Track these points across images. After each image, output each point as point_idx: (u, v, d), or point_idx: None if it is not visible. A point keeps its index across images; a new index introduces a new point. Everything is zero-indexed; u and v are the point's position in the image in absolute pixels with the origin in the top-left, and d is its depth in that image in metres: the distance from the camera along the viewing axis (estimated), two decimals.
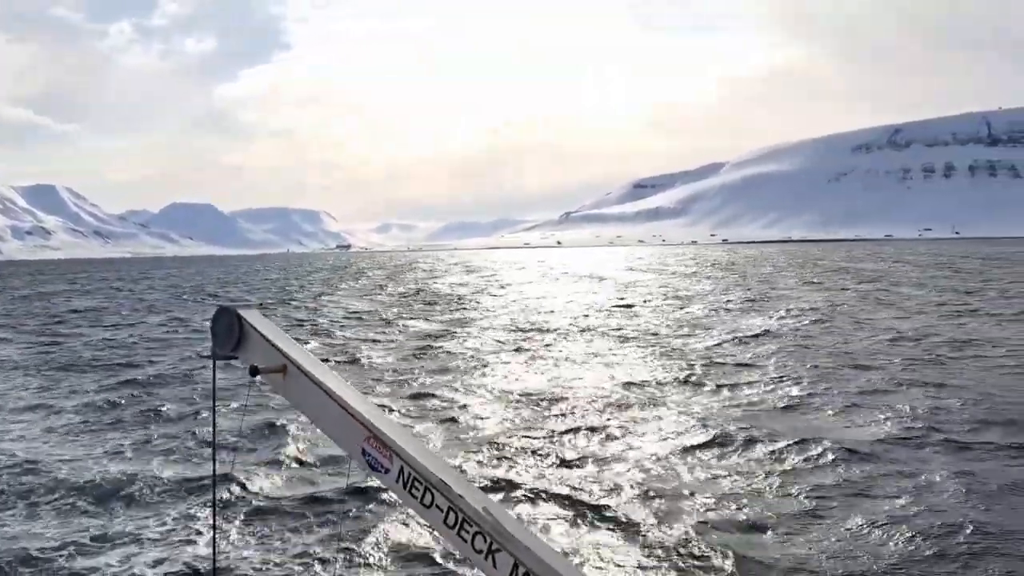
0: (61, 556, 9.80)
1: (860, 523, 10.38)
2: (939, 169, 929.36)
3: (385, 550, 10.06)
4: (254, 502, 11.85)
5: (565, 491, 11.74)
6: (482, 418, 16.64)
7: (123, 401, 19.62)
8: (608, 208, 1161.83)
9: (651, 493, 11.58)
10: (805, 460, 13.06)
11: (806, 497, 11.34)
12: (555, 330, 32.21)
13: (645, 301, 47.27)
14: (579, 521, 10.73)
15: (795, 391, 18.44)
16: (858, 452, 13.19)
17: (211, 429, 5.03)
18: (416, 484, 3.76)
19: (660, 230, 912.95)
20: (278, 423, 16.20)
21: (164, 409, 18.42)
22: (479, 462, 13.56)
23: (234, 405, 17.58)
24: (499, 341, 29.27)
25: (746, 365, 22.36)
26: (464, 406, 17.74)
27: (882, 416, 15.58)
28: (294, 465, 13.94)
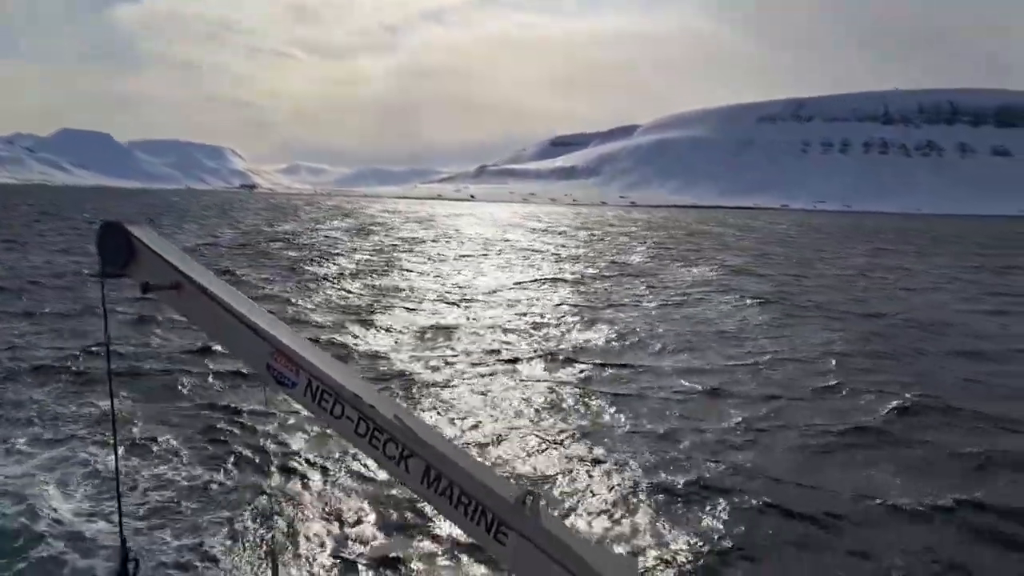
0: None
1: None
2: (836, 144, 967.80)
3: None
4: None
5: None
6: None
7: None
8: (524, 164, 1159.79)
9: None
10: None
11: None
12: None
13: None
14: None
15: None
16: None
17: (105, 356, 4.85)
18: (325, 396, 3.78)
19: (573, 189, 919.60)
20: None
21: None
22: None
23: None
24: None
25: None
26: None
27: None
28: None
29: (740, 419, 15.77)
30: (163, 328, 22.52)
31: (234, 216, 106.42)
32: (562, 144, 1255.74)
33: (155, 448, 13.00)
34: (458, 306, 30.09)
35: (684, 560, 9.81)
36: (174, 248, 4.25)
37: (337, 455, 12.69)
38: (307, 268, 41.82)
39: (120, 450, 12.19)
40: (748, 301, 33.40)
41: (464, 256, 55.11)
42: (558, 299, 33.38)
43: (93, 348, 19.07)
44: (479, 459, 3.54)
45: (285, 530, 10.08)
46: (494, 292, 34.93)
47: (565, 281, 40.66)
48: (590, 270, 47.81)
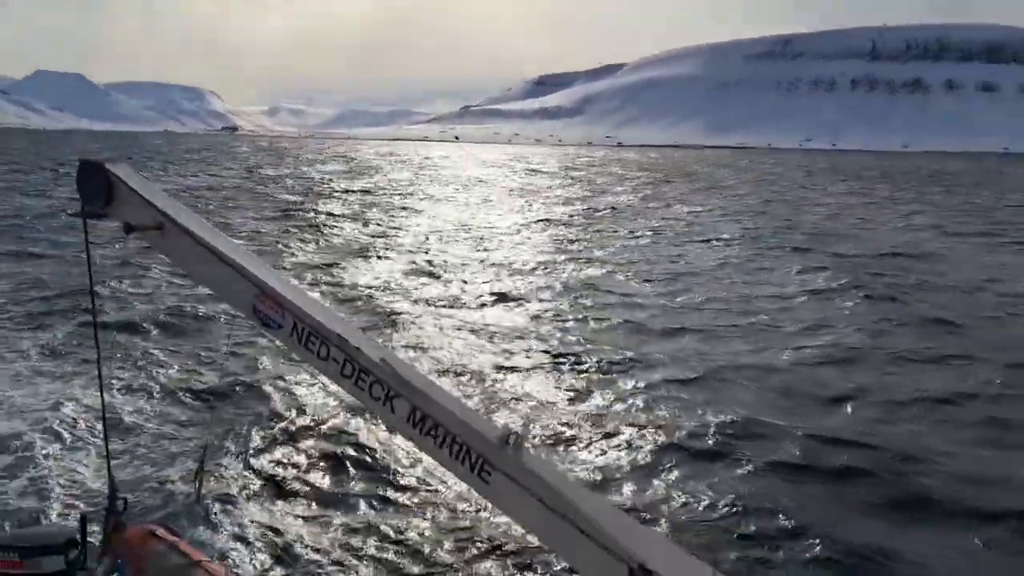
0: None
1: None
2: (824, 82, 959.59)
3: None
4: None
5: None
6: None
7: None
8: (508, 104, 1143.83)
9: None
10: None
11: None
12: None
13: None
14: None
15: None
16: None
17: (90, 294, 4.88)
18: (312, 339, 3.79)
19: (558, 129, 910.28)
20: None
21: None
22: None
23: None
24: None
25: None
26: None
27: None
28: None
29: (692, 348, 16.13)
30: (149, 269, 22.44)
31: (223, 162, 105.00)
32: (547, 83, 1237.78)
33: (143, 387, 13.18)
34: (456, 245, 30.02)
35: (681, 504, 9.99)
36: (156, 188, 4.20)
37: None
38: (301, 211, 41.34)
39: (107, 394, 12.28)
40: (728, 239, 33.58)
41: (454, 198, 54.81)
42: (548, 237, 33.42)
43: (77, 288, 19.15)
44: (463, 400, 3.60)
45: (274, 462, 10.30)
46: (489, 230, 34.91)
47: (555, 222, 40.70)
48: (576, 210, 47.82)
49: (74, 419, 11.71)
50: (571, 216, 44.81)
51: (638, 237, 35.00)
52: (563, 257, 28.69)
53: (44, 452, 10.71)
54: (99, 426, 11.11)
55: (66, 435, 11.17)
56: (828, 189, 77.56)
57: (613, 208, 50.70)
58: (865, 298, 21.88)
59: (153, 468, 10.36)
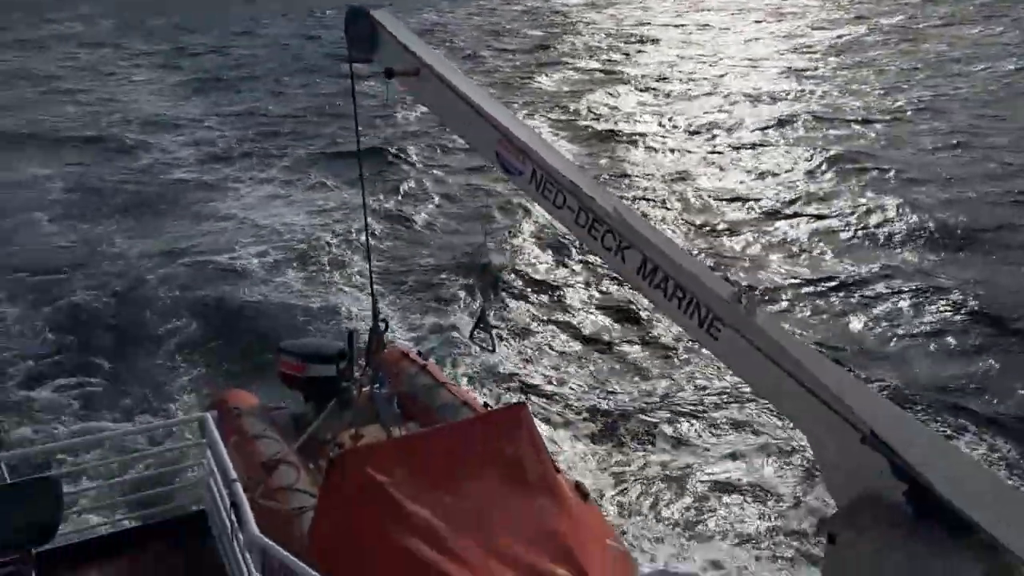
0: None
1: None
2: None
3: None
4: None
5: None
6: None
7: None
8: None
9: None
10: None
11: None
12: None
13: None
14: None
15: None
16: None
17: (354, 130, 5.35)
18: (548, 186, 3.90)
19: None
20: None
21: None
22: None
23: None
24: None
25: None
26: None
27: None
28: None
29: None
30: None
31: None
32: None
33: (404, 217, 14.37)
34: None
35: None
36: (414, 35, 4.43)
37: None
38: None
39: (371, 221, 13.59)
40: None
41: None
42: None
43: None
44: (695, 255, 3.56)
45: None
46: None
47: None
48: None
49: (342, 243, 13.31)
50: None
51: None
52: None
53: (314, 276, 12.37)
54: (362, 253, 12.51)
55: (336, 258, 12.82)
56: None
57: None
58: None
59: (412, 296, 11.57)
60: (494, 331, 5.76)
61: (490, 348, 5.71)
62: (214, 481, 4.92)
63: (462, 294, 11.65)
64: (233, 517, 4.40)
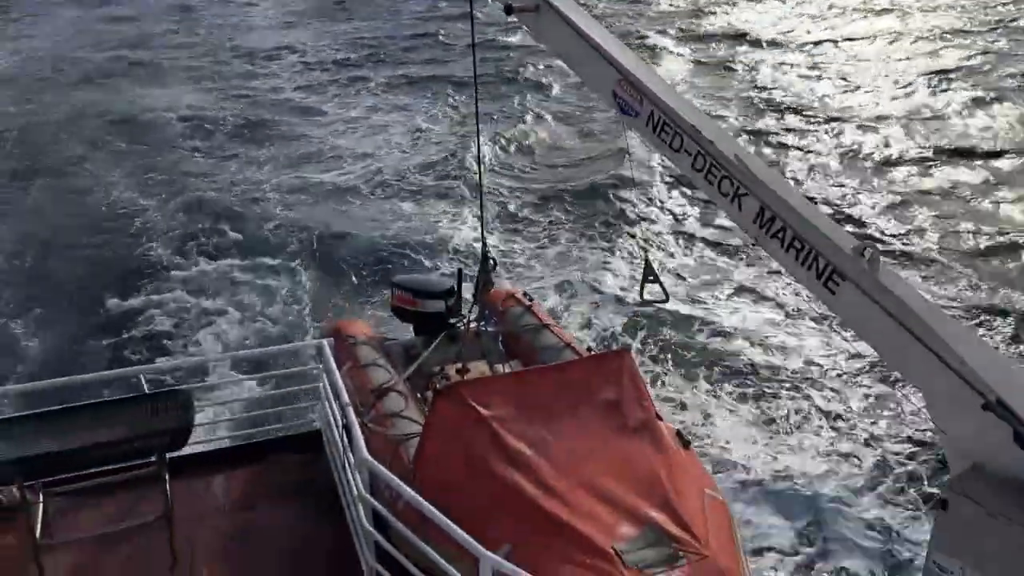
0: None
1: None
2: None
3: None
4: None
5: None
6: None
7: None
8: None
9: None
10: None
11: None
12: None
13: None
14: None
15: None
16: None
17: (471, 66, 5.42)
18: (666, 128, 3.82)
19: None
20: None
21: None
22: None
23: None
24: None
25: None
26: None
27: None
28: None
29: None
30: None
31: None
32: None
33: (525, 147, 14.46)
34: None
35: None
36: None
37: None
38: None
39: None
40: None
41: None
42: None
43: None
44: (817, 207, 3.40)
45: None
46: None
47: None
48: None
49: (453, 176, 13.49)
50: None
51: None
52: None
53: (425, 209, 12.64)
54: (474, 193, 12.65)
55: (446, 191, 13.04)
56: None
57: None
58: None
59: (523, 240, 11.66)
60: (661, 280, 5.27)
61: (663, 298, 5.31)
62: (328, 404, 5.19)
63: (580, 231, 11.75)
64: (345, 439, 4.64)
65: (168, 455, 4.60)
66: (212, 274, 11.53)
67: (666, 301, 5.44)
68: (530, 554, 3.52)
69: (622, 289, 10.15)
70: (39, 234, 12.58)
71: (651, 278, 5.13)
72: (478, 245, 6.28)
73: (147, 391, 4.93)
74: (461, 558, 3.54)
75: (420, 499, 3.76)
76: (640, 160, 13.15)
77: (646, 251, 5.76)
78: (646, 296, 5.34)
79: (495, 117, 16.68)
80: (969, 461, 2.92)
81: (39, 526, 4.55)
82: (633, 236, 10.88)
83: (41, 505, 4.73)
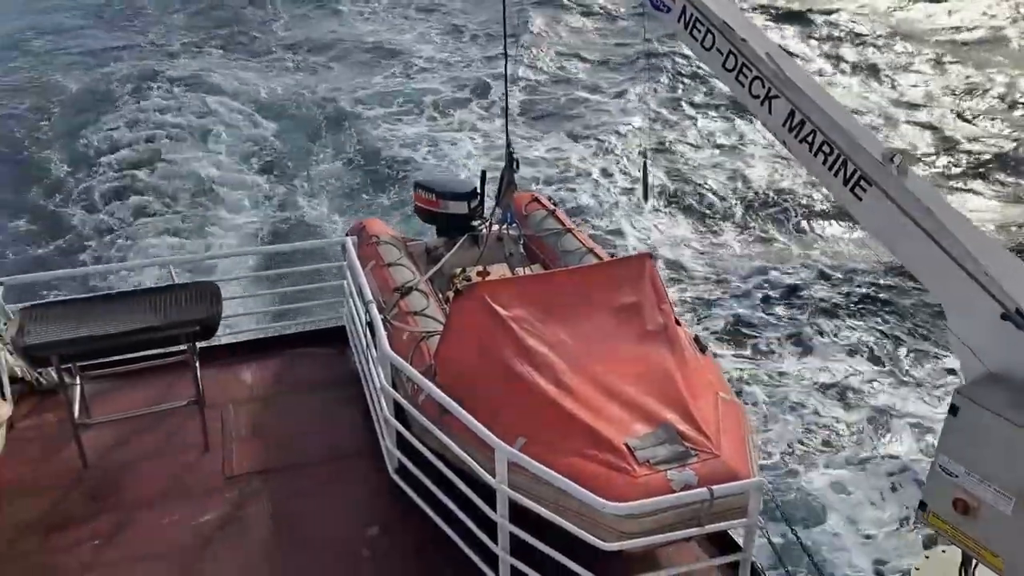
0: None
1: None
2: None
3: None
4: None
5: None
6: None
7: None
8: None
9: None
10: None
11: None
12: None
13: None
14: None
15: None
16: None
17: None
18: (698, 25, 3.69)
19: None
20: None
21: None
22: None
23: None
24: None
25: None
26: None
27: None
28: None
29: None
30: None
31: None
32: None
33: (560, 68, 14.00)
34: None
35: None
36: None
37: None
38: None
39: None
40: None
41: None
42: None
43: None
44: (847, 111, 3.29)
45: None
46: None
47: None
48: None
49: (482, 89, 13.25)
50: None
51: None
52: None
53: (450, 112, 12.53)
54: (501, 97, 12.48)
55: (484, 102, 12.87)
56: None
57: None
58: None
59: (547, 148, 11.55)
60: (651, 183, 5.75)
61: (646, 201, 5.80)
62: (352, 300, 5.29)
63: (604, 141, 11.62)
64: (368, 334, 4.75)
65: (199, 344, 4.75)
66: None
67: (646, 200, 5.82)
68: (544, 447, 3.63)
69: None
70: None
71: (646, 181, 5.38)
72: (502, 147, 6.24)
73: (176, 281, 5.05)
74: (478, 449, 3.67)
75: (440, 392, 3.88)
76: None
77: (645, 156, 5.74)
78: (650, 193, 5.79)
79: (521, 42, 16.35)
80: (984, 369, 2.94)
81: (76, 406, 4.76)
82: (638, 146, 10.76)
83: (78, 387, 4.94)
